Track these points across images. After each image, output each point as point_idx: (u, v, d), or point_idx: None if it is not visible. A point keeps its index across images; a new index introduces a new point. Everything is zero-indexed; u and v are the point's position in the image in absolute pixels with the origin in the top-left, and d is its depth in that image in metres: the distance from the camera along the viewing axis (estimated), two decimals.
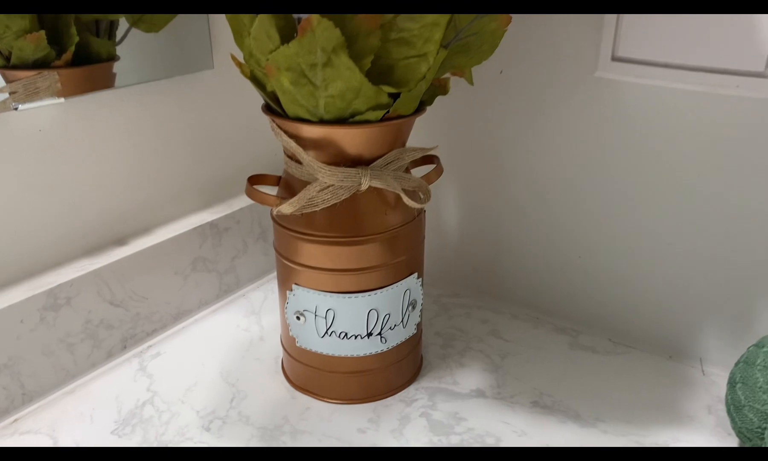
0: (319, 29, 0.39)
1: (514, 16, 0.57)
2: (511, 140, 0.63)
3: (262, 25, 0.40)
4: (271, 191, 0.56)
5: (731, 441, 0.50)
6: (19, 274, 0.55)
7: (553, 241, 0.64)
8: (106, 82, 0.61)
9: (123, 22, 0.60)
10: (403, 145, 0.51)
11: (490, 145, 0.64)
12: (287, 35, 0.41)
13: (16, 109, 0.51)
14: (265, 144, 0.74)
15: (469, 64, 0.50)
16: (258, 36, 0.41)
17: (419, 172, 0.55)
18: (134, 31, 0.61)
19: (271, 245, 0.74)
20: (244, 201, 0.71)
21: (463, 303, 0.69)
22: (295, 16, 0.39)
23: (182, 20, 0.63)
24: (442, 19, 0.41)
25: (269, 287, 0.73)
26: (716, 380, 0.57)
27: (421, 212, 0.54)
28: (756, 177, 0.52)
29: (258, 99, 0.70)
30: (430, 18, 0.41)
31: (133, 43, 0.61)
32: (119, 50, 0.60)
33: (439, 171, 0.54)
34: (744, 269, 0.55)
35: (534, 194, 0.64)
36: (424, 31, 0.41)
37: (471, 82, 0.55)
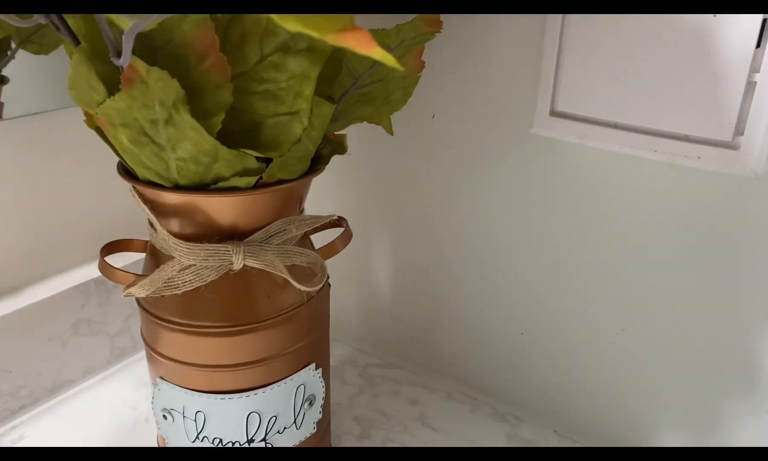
0: (152, 79, 0.30)
1: (445, 56, 0.49)
2: (441, 196, 0.54)
3: (78, 72, 0.31)
4: (140, 257, 0.47)
5: None
6: None
7: (491, 313, 0.55)
8: None
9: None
10: (299, 211, 0.42)
11: (419, 201, 0.55)
12: (113, 85, 0.32)
13: None
14: None
15: (379, 115, 0.41)
16: (76, 86, 0.32)
17: (329, 235, 0.46)
18: (22, 54, 0.53)
19: None
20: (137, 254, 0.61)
21: (393, 377, 0.60)
22: (118, 63, 0.30)
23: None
24: (312, 71, 0.31)
25: None
26: None
27: (323, 287, 0.45)
28: (719, 258, 0.42)
29: None
30: (298, 69, 0.31)
31: (23, 69, 0.52)
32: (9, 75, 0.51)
33: (346, 237, 0.45)
34: (705, 359, 0.46)
35: (469, 258, 0.54)
36: (293, 83, 0.32)
37: (390, 132, 0.46)
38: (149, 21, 0.27)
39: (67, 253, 0.57)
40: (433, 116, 0.51)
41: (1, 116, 0.53)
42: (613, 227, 0.46)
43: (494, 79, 0.47)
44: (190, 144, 0.33)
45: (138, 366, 0.61)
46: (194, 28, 0.30)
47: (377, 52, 0.20)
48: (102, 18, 0.29)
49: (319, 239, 0.45)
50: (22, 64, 0.52)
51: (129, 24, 0.26)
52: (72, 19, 0.31)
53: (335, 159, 0.42)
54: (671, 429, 0.49)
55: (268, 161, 0.36)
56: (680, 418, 0.48)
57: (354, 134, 0.43)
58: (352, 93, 0.38)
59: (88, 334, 0.57)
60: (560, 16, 0.40)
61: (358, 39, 0.20)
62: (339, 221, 0.46)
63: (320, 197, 0.59)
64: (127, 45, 0.28)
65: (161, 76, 0.30)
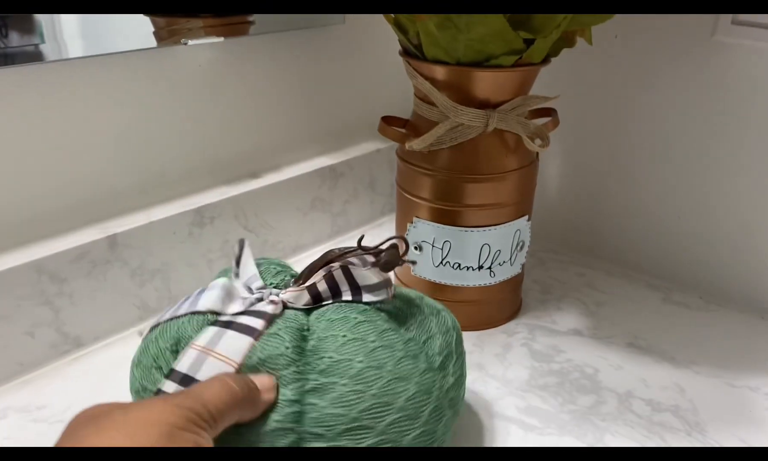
0: None
1: None
2: (623, 102, 0.67)
3: None
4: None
5: None
6: (174, 193, 0.62)
7: (653, 201, 0.67)
8: (244, 30, 0.66)
9: None
10: (526, 93, 0.56)
11: (602, 105, 0.68)
12: None
13: (185, 44, 0.58)
14: (388, 94, 0.79)
15: (594, 22, 0.54)
16: None
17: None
18: None
19: (377, 195, 0.80)
20: (358, 151, 0.76)
21: (559, 259, 0.73)
22: None
23: None
24: None
25: (375, 232, 0.79)
26: None
27: (536, 159, 0.58)
28: None
29: (384, 54, 0.75)
30: None
31: None
32: None
33: (555, 122, 0.59)
34: None
35: (641, 154, 0.67)
36: None
37: (590, 42, 0.59)
38: None
39: (310, 145, 0.73)
40: (616, 36, 0.64)
41: (248, 32, 0.67)
42: None
43: None
44: (484, 27, 0.47)
45: (350, 243, 0.76)
46: None
47: None
48: None
49: None
50: None
51: None
52: None
53: None
54: None
55: (525, 45, 0.50)
56: None
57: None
58: None
59: (320, 210, 0.73)
60: None
61: None
62: (549, 111, 0.59)
63: None
64: None
65: None
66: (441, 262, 0.57)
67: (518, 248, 0.59)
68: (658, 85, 0.63)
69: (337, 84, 0.74)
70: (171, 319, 0.43)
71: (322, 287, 0.43)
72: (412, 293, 0.47)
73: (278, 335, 0.40)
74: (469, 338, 0.59)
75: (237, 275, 0.46)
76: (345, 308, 0.42)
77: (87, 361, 0.56)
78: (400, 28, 0.53)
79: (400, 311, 0.44)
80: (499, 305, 0.61)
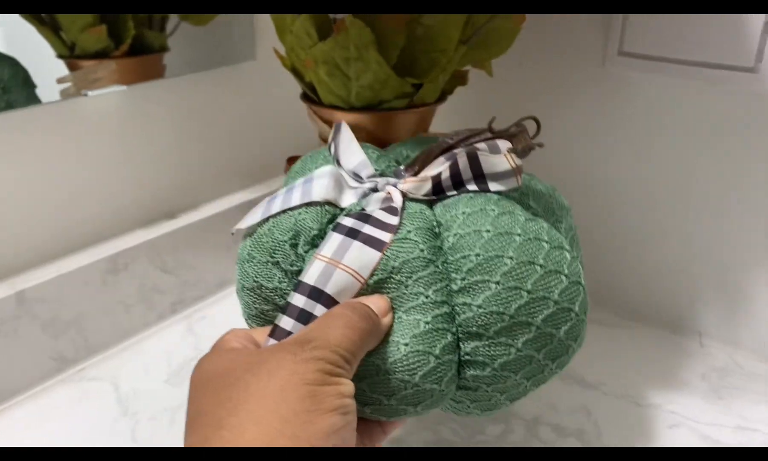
0: (353, 29, 0.45)
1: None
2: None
3: (303, 24, 0.46)
4: None
5: (719, 406, 0.55)
6: (85, 241, 0.62)
7: None
8: (158, 72, 0.67)
9: (173, 16, 0.66)
10: (426, 130, 0.57)
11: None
12: (324, 33, 0.47)
13: (86, 95, 0.58)
14: (301, 130, 0.80)
15: (487, 59, 0.56)
16: (298, 34, 0.47)
17: None
18: (183, 24, 0.68)
19: None
20: (277, 184, 0.77)
21: None
22: (331, 16, 0.45)
23: (227, 15, 0.69)
24: (460, 20, 0.46)
25: None
26: (712, 351, 0.62)
27: None
28: (751, 164, 0.56)
29: (295, 89, 0.76)
30: (451, 19, 0.46)
31: (182, 36, 0.67)
32: (169, 42, 0.66)
33: None
34: (740, 252, 0.59)
35: (547, 178, 0.68)
36: (444, 29, 0.47)
37: (490, 74, 0.60)
38: None
39: (228, 181, 0.74)
40: (520, 64, 0.66)
41: (164, 75, 0.68)
42: (667, 143, 0.60)
43: (569, 28, 0.61)
44: (371, 74, 0.48)
45: None
46: None
47: None
48: None
49: None
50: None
51: None
52: None
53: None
54: (709, 308, 0.63)
55: (415, 89, 0.51)
56: (716, 299, 0.62)
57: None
58: (473, 40, 0.52)
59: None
60: None
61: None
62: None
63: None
64: None
65: (360, 25, 0.45)
66: None
67: None
68: (559, 112, 0.65)
69: (251, 121, 0.74)
70: (283, 211, 0.40)
71: (445, 175, 0.40)
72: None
73: (409, 239, 0.37)
74: None
75: (338, 161, 0.42)
76: (478, 200, 0.39)
77: (6, 417, 0.55)
78: (296, 73, 0.53)
79: (523, 196, 0.42)
80: None
